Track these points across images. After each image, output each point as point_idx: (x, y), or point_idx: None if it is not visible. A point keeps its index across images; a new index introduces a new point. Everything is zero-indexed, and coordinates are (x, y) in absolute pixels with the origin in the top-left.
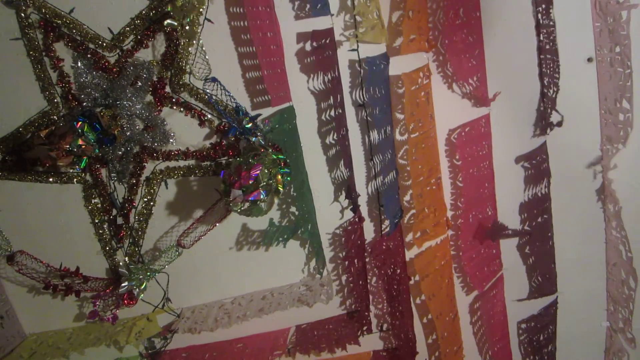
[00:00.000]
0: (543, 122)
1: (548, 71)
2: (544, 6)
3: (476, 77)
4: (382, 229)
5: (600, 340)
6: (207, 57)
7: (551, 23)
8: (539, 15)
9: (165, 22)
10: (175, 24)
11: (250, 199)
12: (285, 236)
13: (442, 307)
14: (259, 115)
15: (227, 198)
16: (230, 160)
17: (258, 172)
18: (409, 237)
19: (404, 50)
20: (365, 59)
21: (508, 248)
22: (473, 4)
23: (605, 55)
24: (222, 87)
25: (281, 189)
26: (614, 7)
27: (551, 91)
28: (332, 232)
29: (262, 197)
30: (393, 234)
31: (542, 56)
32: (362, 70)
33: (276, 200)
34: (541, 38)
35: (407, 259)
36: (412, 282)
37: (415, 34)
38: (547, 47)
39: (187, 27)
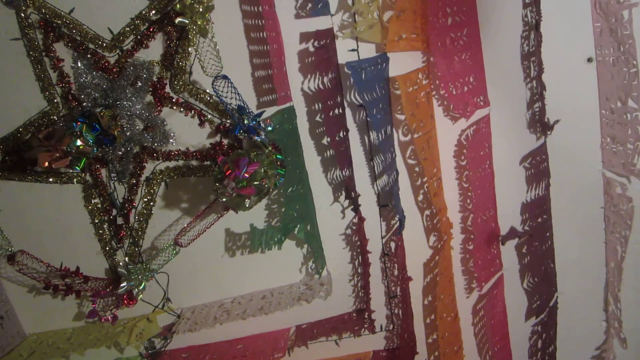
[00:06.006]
0: (540, 123)
1: (538, 72)
2: (531, 8)
3: (472, 78)
4: (383, 228)
5: (600, 340)
6: (219, 54)
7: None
8: (528, 17)
9: (177, 21)
10: (187, 22)
11: (240, 193)
12: (276, 238)
13: (445, 307)
14: (264, 111)
15: (218, 184)
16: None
17: (255, 169)
18: (432, 240)
19: (389, 47)
20: (347, 64)
21: (508, 248)
22: (468, 4)
23: (606, 55)
24: (231, 85)
25: (271, 191)
26: (614, 7)
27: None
28: (333, 233)
29: (253, 194)
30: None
31: (532, 59)
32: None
33: (264, 201)
34: (539, 38)
35: (424, 259)
36: (424, 283)
37: (407, 34)
38: (533, 49)
39: (200, 24)
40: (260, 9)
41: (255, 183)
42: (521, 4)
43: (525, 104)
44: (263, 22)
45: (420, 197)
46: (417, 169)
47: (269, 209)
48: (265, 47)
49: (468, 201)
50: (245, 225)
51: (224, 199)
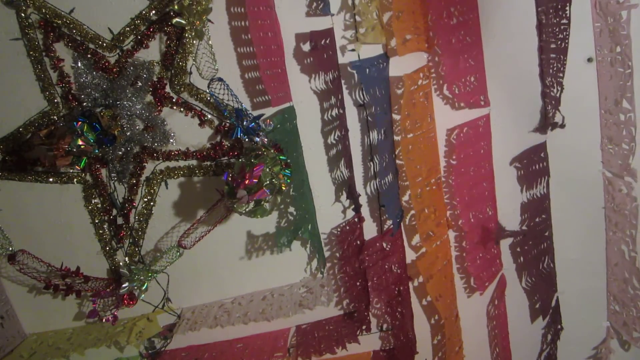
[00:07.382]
0: (544, 122)
1: (551, 70)
2: (556, 5)
3: (473, 78)
4: (383, 229)
5: (600, 340)
6: (215, 57)
7: (564, 21)
8: (549, 15)
9: (174, 21)
10: (184, 22)
11: (255, 198)
12: (288, 239)
13: (447, 308)
14: (262, 115)
15: (232, 199)
16: (231, 160)
17: (260, 171)
18: (415, 240)
19: (400, 51)
20: (351, 63)
21: (508, 248)
22: (470, 4)
23: (605, 55)
24: (227, 88)
25: (284, 188)
26: (614, 7)
27: (555, 90)
28: (332, 232)
29: (267, 196)
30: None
31: (543, 56)
32: (355, 73)
33: (278, 199)
34: (544, 37)
35: (409, 260)
36: (416, 283)
37: (411, 34)
38: (553, 46)
39: (198, 26)
40: (259, 9)
41: (266, 184)
42: (523, 4)
43: (527, 103)
44: (262, 22)
45: (406, 198)
46: (404, 168)
47: (277, 209)
48: (264, 48)
49: (457, 199)
50: (245, 225)
51: (243, 212)
